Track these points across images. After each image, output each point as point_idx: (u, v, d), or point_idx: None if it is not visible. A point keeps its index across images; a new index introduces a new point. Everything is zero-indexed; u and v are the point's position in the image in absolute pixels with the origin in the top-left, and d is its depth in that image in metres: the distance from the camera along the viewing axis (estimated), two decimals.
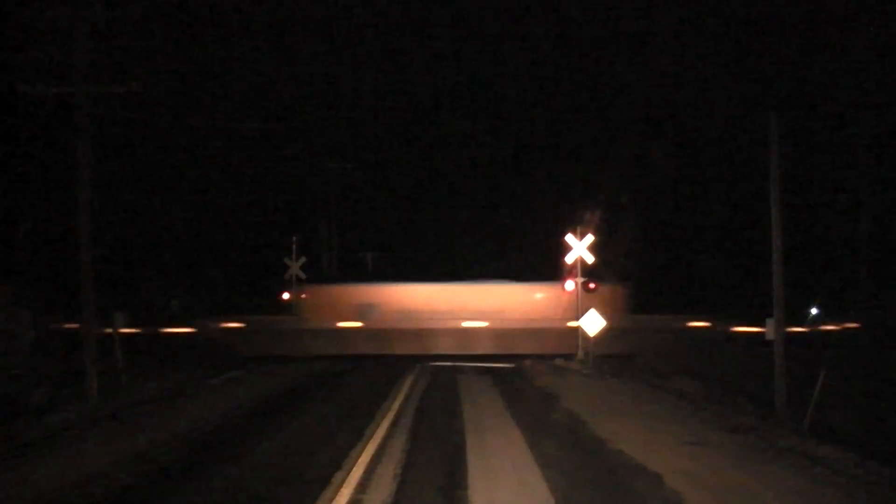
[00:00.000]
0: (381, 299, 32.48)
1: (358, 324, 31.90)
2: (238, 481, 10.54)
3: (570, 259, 28.54)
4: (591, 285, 28.47)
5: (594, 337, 26.85)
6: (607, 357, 27.16)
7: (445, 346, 31.15)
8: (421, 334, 31.48)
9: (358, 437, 13.35)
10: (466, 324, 31.78)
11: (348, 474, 10.62)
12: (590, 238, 28.39)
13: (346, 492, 9.76)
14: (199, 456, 12.23)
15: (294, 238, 36.95)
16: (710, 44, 35.17)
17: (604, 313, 25.49)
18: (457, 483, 10.32)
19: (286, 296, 36.79)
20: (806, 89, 30.66)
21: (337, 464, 11.23)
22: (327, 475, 10.56)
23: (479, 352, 30.52)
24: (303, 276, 36.82)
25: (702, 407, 17.47)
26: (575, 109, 43.40)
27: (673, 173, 39.30)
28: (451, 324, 31.80)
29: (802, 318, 31.06)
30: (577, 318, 27.10)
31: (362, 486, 10.06)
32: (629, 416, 16.11)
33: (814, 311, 34.73)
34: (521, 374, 25.29)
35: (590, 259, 28.36)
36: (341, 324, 31.34)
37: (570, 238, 28.48)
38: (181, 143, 35.79)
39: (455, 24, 43.81)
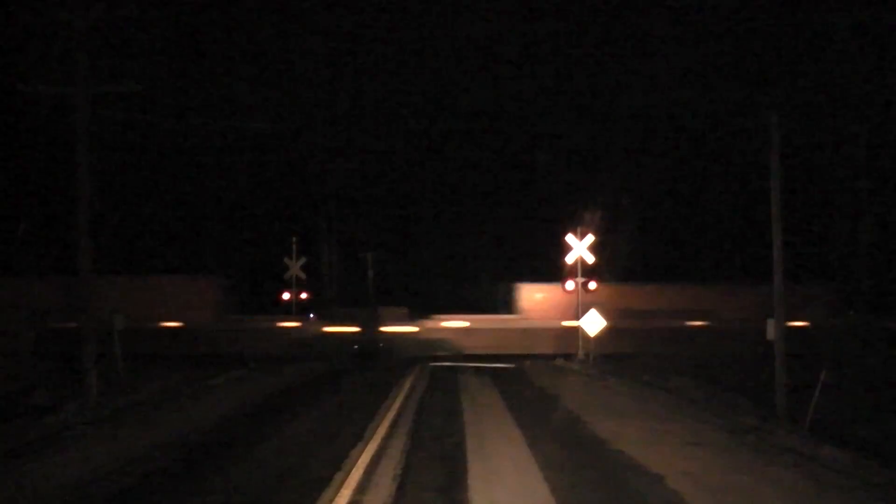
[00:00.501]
0: (604, 298, 31.99)
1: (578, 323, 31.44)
2: (238, 481, 10.52)
3: (570, 259, 28.59)
4: (592, 285, 28.51)
5: (594, 337, 26.89)
6: (608, 357, 27.19)
7: (664, 346, 30.26)
8: (642, 334, 30.99)
9: (358, 437, 13.33)
10: (689, 322, 31.28)
11: (348, 475, 10.60)
12: (590, 238, 28.42)
13: (345, 493, 9.74)
14: (198, 456, 12.21)
15: (294, 238, 36.93)
16: (711, 43, 35.16)
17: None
18: (457, 484, 10.30)
19: (286, 296, 36.78)
20: (806, 88, 30.67)
21: (337, 464, 11.20)
22: (327, 476, 10.54)
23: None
24: (303, 276, 36.81)
25: (702, 407, 17.47)
26: (575, 109, 43.38)
27: (673, 174, 39.30)
28: (674, 324, 31.26)
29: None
30: (583, 318, 27.10)
31: (362, 487, 10.04)
32: (629, 416, 16.12)
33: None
34: (522, 374, 25.27)
35: (590, 259, 28.39)
36: (566, 322, 30.96)
37: (570, 238, 28.52)
38: (182, 142, 35.81)
39: (455, 25, 43.79)
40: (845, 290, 32.36)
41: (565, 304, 30.39)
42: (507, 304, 34.61)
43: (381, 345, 31.77)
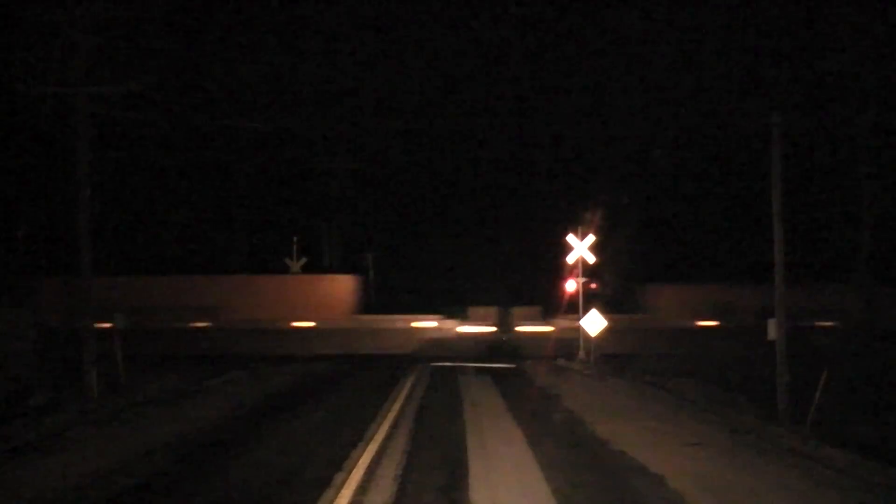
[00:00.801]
0: (738, 298, 31.66)
1: (714, 322, 31.20)
2: (238, 482, 10.51)
3: (571, 259, 28.56)
4: (592, 285, 28.53)
5: (595, 337, 26.86)
6: (608, 357, 27.17)
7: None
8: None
9: (359, 437, 13.32)
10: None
11: (349, 475, 10.59)
12: (591, 238, 28.38)
13: (346, 493, 9.73)
14: (198, 456, 12.20)
15: (294, 238, 36.89)
16: (712, 43, 35.11)
17: None
18: (458, 484, 10.29)
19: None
20: (807, 86, 30.63)
21: (337, 465, 11.20)
22: (328, 476, 10.53)
23: None
24: None
25: (703, 407, 17.46)
26: (576, 108, 43.34)
27: (673, 173, 39.25)
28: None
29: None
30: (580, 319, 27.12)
31: (363, 488, 10.03)
32: (630, 417, 16.11)
33: None
34: (522, 374, 25.26)
35: (591, 259, 28.36)
36: (701, 322, 30.61)
37: (571, 238, 28.49)
38: (182, 142, 35.78)
39: (456, 24, 43.75)
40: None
41: (695, 304, 30.12)
42: (631, 304, 34.04)
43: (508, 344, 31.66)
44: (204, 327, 31.20)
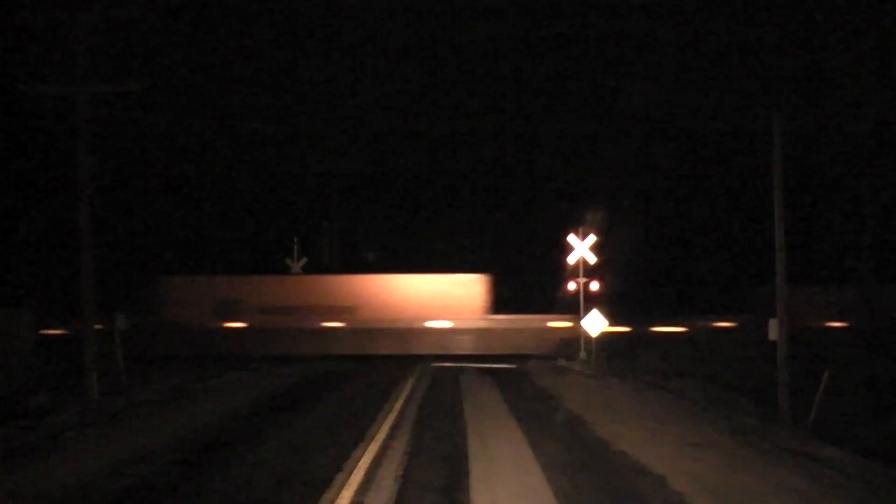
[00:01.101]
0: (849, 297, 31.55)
1: (843, 323, 31.10)
2: (238, 483, 10.49)
3: (571, 259, 28.53)
4: (594, 285, 28.51)
5: (596, 337, 26.85)
6: (609, 357, 27.16)
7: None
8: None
9: (359, 438, 13.30)
10: None
11: (349, 476, 10.57)
12: (592, 238, 28.35)
13: (346, 494, 9.71)
14: (199, 457, 12.18)
15: (295, 238, 36.88)
16: (713, 42, 35.12)
17: None
18: (458, 485, 10.27)
19: None
20: (808, 86, 30.63)
21: (338, 465, 11.18)
22: (328, 477, 10.51)
23: None
24: None
25: (704, 408, 17.44)
26: (577, 109, 43.35)
27: (675, 173, 39.24)
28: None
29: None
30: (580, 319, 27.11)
31: (363, 489, 10.01)
32: (631, 417, 16.09)
33: None
34: (523, 374, 25.24)
35: (592, 259, 28.33)
36: (830, 323, 30.56)
37: (572, 238, 28.47)
38: (182, 142, 35.77)
39: (456, 24, 43.77)
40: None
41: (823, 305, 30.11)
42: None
43: None
44: (337, 327, 31.36)
